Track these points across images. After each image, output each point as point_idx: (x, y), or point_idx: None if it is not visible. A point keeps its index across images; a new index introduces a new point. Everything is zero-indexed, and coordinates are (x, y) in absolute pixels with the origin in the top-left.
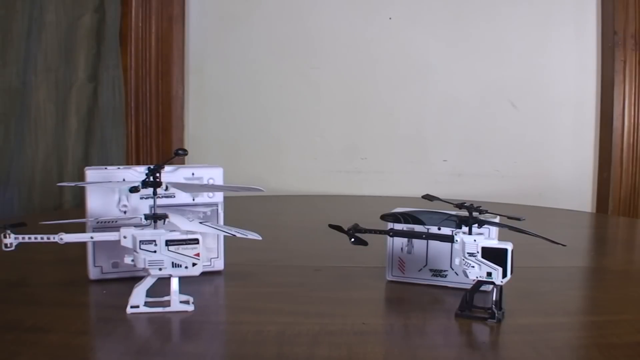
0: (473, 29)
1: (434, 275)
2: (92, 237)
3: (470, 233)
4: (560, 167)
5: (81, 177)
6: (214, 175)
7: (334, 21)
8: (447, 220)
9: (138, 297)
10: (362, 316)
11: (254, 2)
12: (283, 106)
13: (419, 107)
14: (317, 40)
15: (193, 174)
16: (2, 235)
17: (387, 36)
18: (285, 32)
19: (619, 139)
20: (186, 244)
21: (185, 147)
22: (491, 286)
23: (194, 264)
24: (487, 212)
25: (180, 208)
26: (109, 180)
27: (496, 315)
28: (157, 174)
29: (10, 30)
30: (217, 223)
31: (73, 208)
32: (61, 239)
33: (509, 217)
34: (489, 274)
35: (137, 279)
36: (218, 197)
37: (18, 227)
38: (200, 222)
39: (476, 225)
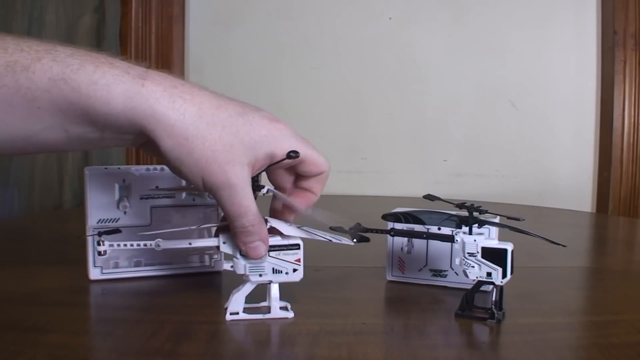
0: (473, 28)
1: (434, 275)
2: (190, 243)
3: (470, 233)
4: (560, 167)
5: (81, 177)
6: None
7: (334, 21)
8: (447, 220)
9: (237, 303)
10: (362, 316)
11: (254, 2)
12: (283, 106)
13: (419, 107)
14: (317, 40)
15: None
16: (96, 242)
17: (387, 36)
18: (285, 32)
19: (619, 139)
20: (287, 249)
21: None
22: (491, 286)
23: (294, 270)
24: (487, 212)
25: (180, 209)
26: (108, 179)
27: (496, 315)
28: (257, 178)
29: (10, 30)
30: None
31: (73, 208)
32: (158, 245)
33: (509, 217)
34: (489, 274)
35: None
36: None
37: (112, 234)
38: (298, 227)
39: (476, 225)
